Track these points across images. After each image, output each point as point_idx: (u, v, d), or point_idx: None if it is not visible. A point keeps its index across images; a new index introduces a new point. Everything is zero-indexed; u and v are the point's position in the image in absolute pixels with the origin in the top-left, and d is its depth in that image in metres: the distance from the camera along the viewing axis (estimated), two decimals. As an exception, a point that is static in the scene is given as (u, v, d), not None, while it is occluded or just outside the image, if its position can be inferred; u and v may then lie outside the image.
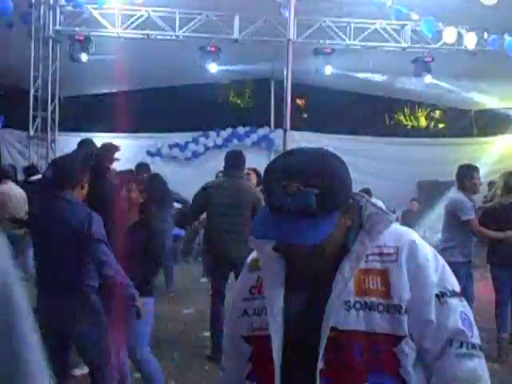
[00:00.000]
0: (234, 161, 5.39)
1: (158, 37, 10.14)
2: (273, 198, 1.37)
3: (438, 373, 1.41)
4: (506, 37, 9.35)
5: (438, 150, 12.35)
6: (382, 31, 10.16)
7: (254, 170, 6.04)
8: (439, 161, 11.56)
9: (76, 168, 3.51)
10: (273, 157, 9.93)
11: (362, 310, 1.39)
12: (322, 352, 1.39)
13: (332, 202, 1.38)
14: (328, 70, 10.59)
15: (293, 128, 9.29)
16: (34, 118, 10.21)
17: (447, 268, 1.48)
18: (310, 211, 1.34)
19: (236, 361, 1.62)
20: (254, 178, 5.91)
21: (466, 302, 1.47)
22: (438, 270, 1.45)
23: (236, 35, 10.23)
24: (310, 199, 1.34)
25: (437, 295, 1.42)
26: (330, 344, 1.38)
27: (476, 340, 1.43)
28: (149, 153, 13.05)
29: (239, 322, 1.58)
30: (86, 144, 6.30)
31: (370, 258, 1.44)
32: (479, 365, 1.41)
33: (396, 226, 1.50)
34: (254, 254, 1.64)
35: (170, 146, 13.47)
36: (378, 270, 1.43)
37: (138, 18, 9.85)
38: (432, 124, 13.26)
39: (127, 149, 12.61)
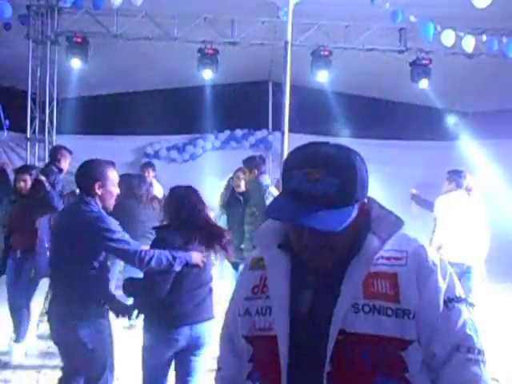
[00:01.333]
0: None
1: (157, 39, 10.12)
2: (294, 184, 1.37)
3: (445, 377, 1.42)
4: (504, 39, 9.37)
5: (437, 153, 12.34)
6: (380, 34, 10.16)
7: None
8: (438, 164, 11.55)
9: (87, 172, 3.44)
10: (271, 159, 9.95)
11: (371, 314, 1.39)
12: (329, 354, 1.39)
13: (350, 196, 1.38)
14: (325, 73, 10.60)
15: (291, 130, 9.29)
16: (32, 119, 10.20)
17: (454, 274, 1.49)
18: (329, 200, 1.35)
19: (234, 360, 1.62)
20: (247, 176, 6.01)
21: (471, 308, 1.48)
22: (445, 276, 1.46)
23: (234, 38, 10.24)
24: (331, 188, 1.34)
25: (444, 301, 1.43)
26: (338, 346, 1.38)
27: (481, 345, 1.44)
28: (147, 155, 13.04)
29: (240, 322, 1.56)
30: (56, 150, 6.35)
31: (379, 261, 1.44)
32: (484, 370, 1.42)
33: (404, 231, 1.50)
34: (256, 252, 1.63)
35: (168, 148, 13.46)
36: (387, 273, 1.43)
37: (137, 20, 9.83)
38: (432, 127, 13.22)
39: (125, 151, 12.68)
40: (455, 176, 5.99)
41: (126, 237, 3.33)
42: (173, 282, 3.35)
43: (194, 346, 3.44)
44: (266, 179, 5.89)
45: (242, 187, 6.24)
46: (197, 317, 3.43)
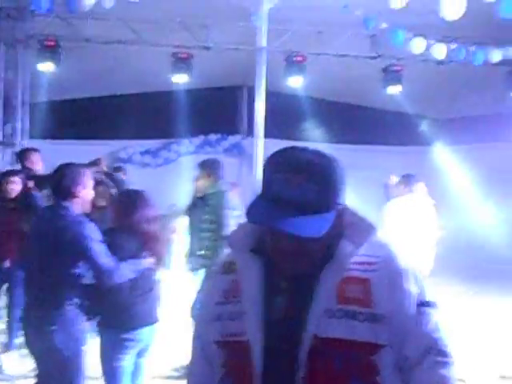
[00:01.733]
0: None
1: (130, 42, 10.06)
2: (274, 188, 1.37)
3: (416, 380, 1.44)
4: (474, 48, 9.58)
5: (410, 158, 12.51)
6: (353, 40, 10.27)
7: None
8: (411, 169, 11.70)
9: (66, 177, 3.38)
10: (244, 164, 9.95)
11: (344, 319, 1.40)
12: (302, 360, 1.39)
13: (330, 203, 1.39)
14: (299, 78, 10.66)
15: (266, 135, 9.33)
16: (3, 124, 10.03)
17: (424, 279, 1.51)
18: (309, 206, 1.35)
19: (206, 366, 1.59)
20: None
21: (440, 312, 1.51)
22: (416, 281, 1.48)
23: (208, 42, 10.24)
24: (311, 194, 1.35)
25: (416, 305, 1.45)
26: (311, 352, 1.38)
27: (450, 348, 1.47)
28: (120, 159, 12.93)
29: (211, 327, 1.54)
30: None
31: (352, 266, 1.45)
32: (453, 372, 1.46)
33: (377, 236, 1.52)
34: (228, 256, 1.61)
35: (142, 153, 13.39)
36: (360, 278, 1.44)
37: (110, 23, 9.76)
38: (405, 132, 13.41)
39: (98, 155, 12.52)
40: (409, 180, 6.11)
41: (103, 249, 3.28)
42: (130, 285, 3.41)
43: (144, 348, 3.53)
44: (224, 185, 5.83)
45: (201, 192, 6.11)
46: (151, 318, 3.51)
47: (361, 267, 1.45)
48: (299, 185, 1.35)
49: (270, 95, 9.65)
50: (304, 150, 1.44)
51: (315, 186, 1.36)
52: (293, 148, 1.45)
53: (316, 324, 1.39)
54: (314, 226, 1.35)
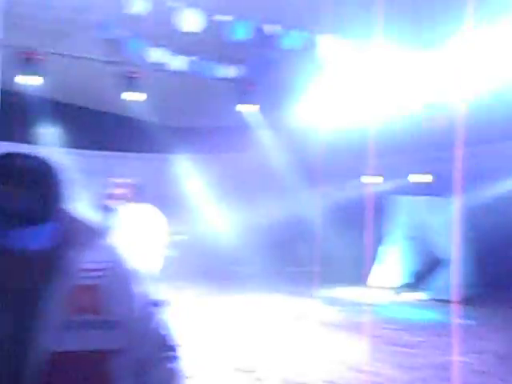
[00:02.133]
0: None
1: None
2: (3, 202, 1.29)
3: (148, 378, 1.49)
4: (212, 63, 10.23)
5: (145, 165, 12.73)
6: (92, 42, 10.07)
7: None
8: (149, 175, 11.92)
9: None
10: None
11: (78, 330, 1.36)
12: (37, 378, 1.32)
13: (53, 211, 1.36)
14: (32, 77, 10.06)
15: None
16: None
17: (149, 281, 1.57)
18: (32, 217, 1.31)
19: None
20: None
21: (164, 311, 1.59)
22: (142, 284, 1.53)
23: None
24: (34, 204, 1.31)
25: (143, 306, 1.49)
26: (47, 368, 1.32)
27: (175, 343, 1.58)
28: None
29: None
30: None
31: (81, 274, 1.42)
32: (179, 365, 1.57)
33: (105, 241, 1.52)
34: None
35: None
36: (89, 286, 1.41)
37: None
38: (144, 139, 13.60)
39: None
40: (135, 187, 6.28)
41: None
42: None
43: None
44: None
45: None
46: None
47: (89, 274, 1.44)
48: (19, 195, 1.30)
49: (4, 94, 9.01)
50: (22, 156, 1.39)
51: (35, 195, 1.32)
52: (9, 155, 1.39)
53: (49, 339, 1.34)
54: (39, 238, 1.32)
